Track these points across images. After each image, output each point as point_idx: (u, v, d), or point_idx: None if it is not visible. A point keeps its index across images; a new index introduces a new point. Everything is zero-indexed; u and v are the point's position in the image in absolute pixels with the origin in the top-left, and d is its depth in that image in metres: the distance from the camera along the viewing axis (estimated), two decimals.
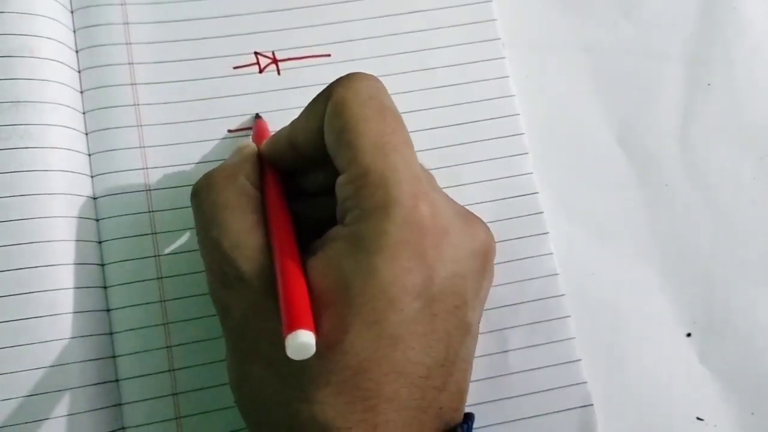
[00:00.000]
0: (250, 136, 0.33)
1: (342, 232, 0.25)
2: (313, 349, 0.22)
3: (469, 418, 0.27)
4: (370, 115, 0.25)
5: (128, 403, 0.30)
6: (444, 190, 0.28)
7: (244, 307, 0.25)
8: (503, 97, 0.35)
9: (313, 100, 0.27)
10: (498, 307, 0.32)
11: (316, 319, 0.23)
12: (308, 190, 0.29)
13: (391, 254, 0.24)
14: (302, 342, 0.22)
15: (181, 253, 0.32)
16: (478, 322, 0.28)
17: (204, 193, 0.27)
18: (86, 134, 0.32)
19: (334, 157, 0.26)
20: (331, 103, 0.25)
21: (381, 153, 0.24)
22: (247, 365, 0.26)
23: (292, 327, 0.22)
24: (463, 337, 0.26)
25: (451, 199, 0.27)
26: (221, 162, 0.33)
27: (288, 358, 0.22)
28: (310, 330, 0.22)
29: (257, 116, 0.33)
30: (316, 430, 0.24)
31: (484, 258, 0.27)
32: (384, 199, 0.24)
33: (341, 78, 0.26)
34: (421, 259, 0.24)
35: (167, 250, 0.32)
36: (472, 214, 0.28)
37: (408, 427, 0.24)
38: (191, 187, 0.32)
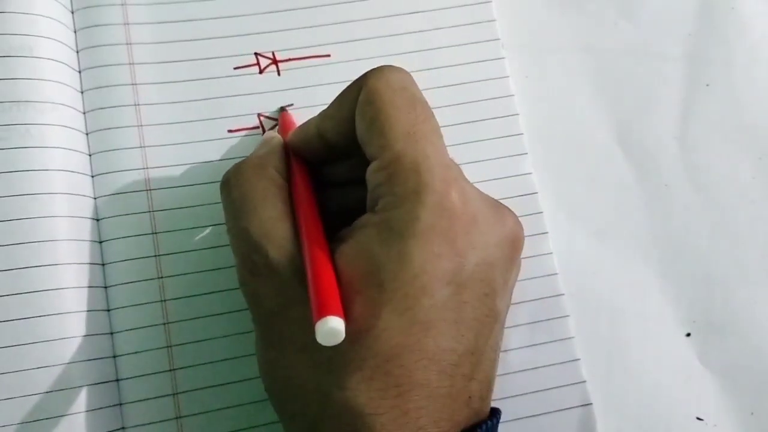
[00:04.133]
0: (275, 129, 0.33)
1: (373, 219, 0.25)
2: (343, 335, 0.22)
3: (496, 412, 0.27)
4: (401, 104, 0.26)
5: (128, 403, 0.30)
6: None
7: (273, 295, 0.26)
8: (502, 97, 0.35)
9: (345, 89, 0.27)
10: None
11: (347, 305, 0.24)
12: (334, 180, 0.30)
13: (424, 240, 0.24)
14: (332, 327, 0.22)
15: (181, 253, 0.32)
16: (506, 312, 0.28)
17: (233, 183, 0.27)
18: (86, 134, 0.33)
19: (365, 145, 0.26)
20: (363, 92, 0.26)
21: (412, 140, 0.25)
22: (278, 352, 0.26)
23: (322, 313, 0.22)
24: (492, 326, 0.26)
25: (479, 190, 0.27)
26: (221, 161, 0.33)
27: (319, 344, 0.22)
28: (340, 316, 0.22)
29: (282, 109, 0.33)
30: (347, 415, 0.24)
31: (513, 247, 0.27)
32: (416, 185, 0.24)
33: (373, 69, 0.27)
34: (451, 245, 0.24)
35: (167, 250, 0.32)
36: (501, 203, 0.28)
37: (438, 413, 0.24)
38: (192, 187, 0.32)
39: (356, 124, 0.26)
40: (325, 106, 0.33)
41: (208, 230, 0.32)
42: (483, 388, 0.26)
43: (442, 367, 0.25)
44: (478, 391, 0.26)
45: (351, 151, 0.27)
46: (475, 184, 0.33)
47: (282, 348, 0.26)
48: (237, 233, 0.27)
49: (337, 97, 0.27)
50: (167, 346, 0.31)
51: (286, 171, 0.28)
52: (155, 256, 0.32)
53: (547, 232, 0.33)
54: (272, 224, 0.26)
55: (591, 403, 0.32)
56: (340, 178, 0.30)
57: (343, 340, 0.22)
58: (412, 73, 0.34)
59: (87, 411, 0.29)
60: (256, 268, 0.26)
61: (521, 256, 0.29)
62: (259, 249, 0.26)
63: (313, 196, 0.28)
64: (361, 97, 0.26)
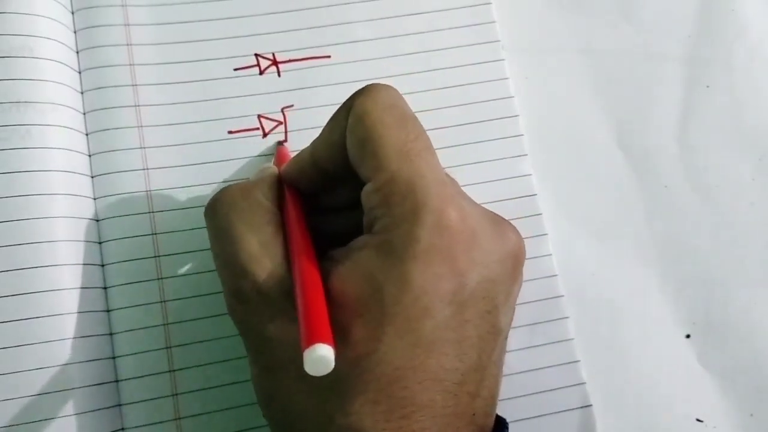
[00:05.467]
0: (272, 160, 0.33)
1: (371, 241, 0.25)
2: (332, 364, 0.22)
3: (502, 424, 0.27)
4: (391, 122, 0.25)
5: (128, 403, 0.30)
6: None
7: (264, 321, 0.25)
8: (502, 98, 0.35)
9: (334, 114, 0.27)
10: None
11: (347, 329, 0.23)
12: (328, 206, 0.29)
13: (424, 261, 0.24)
14: (320, 356, 0.21)
15: (181, 254, 0.32)
16: (509, 326, 0.27)
17: (218, 207, 0.27)
18: (87, 135, 0.33)
19: (358, 167, 0.26)
20: (352, 114, 0.25)
21: (406, 159, 0.25)
22: (275, 380, 0.25)
23: (311, 341, 0.22)
24: (494, 342, 0.26)
25: (477, 204, 0.27)
26: (221, 162, 0.33)
27: None
28: (329, 344, 0.22)
29: (279, 143, 0.33)
30: None
31: (515, 262, 0.27)
32: (413, 205, 0.24)
33: (360, 89, 0.26)
34: (452, 264, 0.24)
35: (167, 251, 0.32)
36: (500, 217, 0.28)
37: None
38: (192, 188, 0.32)
39: (348, 146, 0.26)
40: (325, 108, 0.34)
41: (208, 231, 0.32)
42: (487, 404, 0.26)
43: (446, 387, 0.24)
44: (483, 408, 0.26)
45: (345, 176, 0.27)
46: (475, 185, 0.33)
47: (279, 375, 0.25)
48: (223, 259, 0.26)
49: (328, 123, 0.27)
50: (167, 347, 0.31)
51: (277, 199, 0.28)
52: (155, 257, 0.32)
53: (546, 234, 0.33)
54: (259, 249, 0.25)
55: (591, 405, 0.32)
56: (334, 204, 0.29)
57: (345, 364, 0.22)
58: (412, 75, 0.34)
59: (86, 412, 0.29)
60: (243, 295, 0.25)
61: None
62: (247, 274, 0.25)
63: (305, 222, 0.27)
64: (350, 119, 0.25)
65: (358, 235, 0.26)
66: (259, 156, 0.33)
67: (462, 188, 0.28)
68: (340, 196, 0.29)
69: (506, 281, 0.26)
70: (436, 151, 0.33)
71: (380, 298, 0.24)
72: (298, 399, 0.25)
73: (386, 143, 0.25)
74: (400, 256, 0.24)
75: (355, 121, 0.25)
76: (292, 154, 0.32)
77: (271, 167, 0.30)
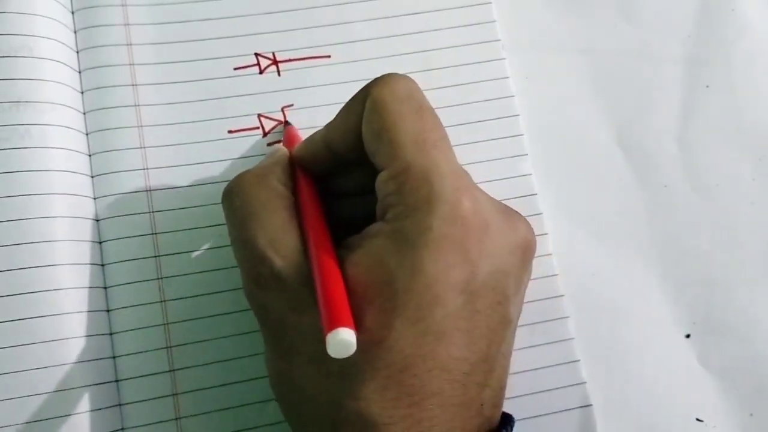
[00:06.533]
0: (281, 142, 0.33)
1: (384, 229, 0.25)
2: (354, 347, 0.22)
3: (509, 420, 0.27)
4: (408, 112, 0.25)
5: (128, 403, 0.30)
6: None
7: (281, 305, 0.25)
8: (503, 98, 0.35)
9: (350, 100, 0.27)
10: None
11: (359, 315, 0.24)
12: (340, 191, 0.29)
13: (436, 250, 0.24)
14: (343, 339, 0.22)
15: (181, 253, 0.32)
16: (518, 318, 0.28)
17: (235, 193, 0.27)
18: (87, 134, 0.32)
19: (373, 155, 0.26)
20: (369, 102, 0.26)
21: (422, 149, 0.25)
22: (288, 363, 0.26)
23: (333, 325, 0.22)
24: (504, 333, 0.26)
25: (489, 195, 0.27)
26: (221, 161, 0.33)
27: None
28: (351, 327, 0.22)
29: (287, 123, 0.33)
30: (360, 425, 0.24)
31: (525, 253, 0.27)
32: (428, 194, 0.24)
33: (378, 78, 0.26)
34: (464, 254, 0.24)
35: (167, 251, 0.32)
36: (512, 209, 0.28)
37: (450, 422, 0.24)
38: (192, 188, 0.32)
39: (363, 134, 0.26)
40: (325, 107, 0.34)
41: (208, 231, 0.32)
42: (495, 395, 0.26)
43: (455, 376, 0.24)
44: (491, 399, 0.26)
45: (358, 161, 0.27)
46: None
47: (292, 358, 0.26)
48: (241, 244, 0.26)
49: (343, 108, 0.27)
50: (167, 347, 0.31)
51: (291, 182, 0.28)
52: (155, 256, 0.32)
53: (546, 233, 0.33)
54: (277, 234, 0.26)
55: (591, 405, 0.32)
56: (346, 189, 0.29)
57: (356, 350, 0.22)
58: (412, 74, 0.34)
59: (86, 412, 0.29)
60: (262, 279, 0.26)
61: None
62: (265, 259, 0.25)
63: (320, 206, 0.27)
64: (367, 107, 0.26)
65: (368, 222, 0.26)
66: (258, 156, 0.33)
67: (474, 181, 0.28)
68: (350, 181, 0.29)
69: (517, 273, 0.26)
70: None
71: (392, 286, 0.24)
72: (310, 383, 0.25)
73: (403, 132, 0.25)
74: (412, 244, 0.24)
75: (372, 109, 0.26)
76: (301, 135, 0.32)
77: (282, 149, 0.30)
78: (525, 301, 0.32)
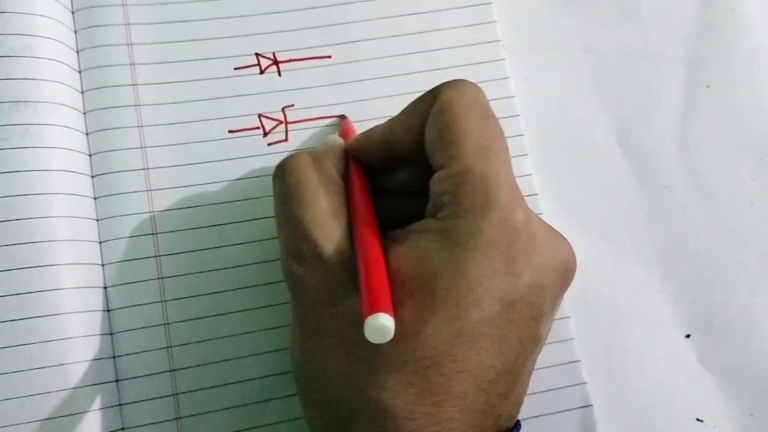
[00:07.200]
0: (337, 134, 0.33)
1: (435, 225, 0.25)
2: (392, 333, 0.22)
3: (517, 426, 0.27)
4: (474, 117, 0.26)
5: (128, 403, 0.30)
6: None
7: (319, 285, 0.26)
8: (503, 98, 0.35)
9: (418, 98, 0.27)
10: None
11: (397, 305, 0.24)
12: (388, 188, 0.30)
13: (483, 254, 0.24)
14: (382, 324, 0.22)
15: (182, 253, 0.32)
16: (546, 337, 0.28)
17: (289, 169, 0.27)
18: (87, 134, 0.32)
19: (434, 153, 0.26)
20: (438, 102, 0.26)
21: (483, 155, 0.25)
22: (316, 342, 0.26)
23: (373, 309, 0.22)
24: (532, 349, 0.26)
25: (537, 214, 0.28)
26: (221, 161, 0.33)
27: (362, 340, 0.22)
28: (390, 314, 0.22)
29: (343, 117, 0.34)
30: (380, 415, 0.24)
31: (566, 274, 0.27)
32: (483, 199, 0.25)
33: (448, 81, 0.27)
34: (509, 263, 0.25)
35: (167, 251, 0.32)
36: (557, 231, 0.28)
37: (468, 428, 0.24)
38: (192, 188, 0.32)
39: (426, 133, 0.27)
40: (326, 107, 0.34)
41: (208, 231, 0.32)
42: (513, 408, 0.26)
43: (480, 383, 0.24)
44: (509, 411, 0.26)
45: (413, 159, 0.27)
46: None
47: (321, 338, 0.26)
48: (287, 220, 0.27)
49: (409, 106, 0.28)
50: (167, 347, 0.31)
51: (344, 171, 0.28)
52: (155, 256, 0.31)
53: None
54: (325, 216, 0.26)
55: (591, 405, 0.32)
56: (394, 186, 0.30)
57: (389, 341, 0.22)
58: (412, 75, 0.35)
59: (87, 411, 0.29)
60: (303, 256, 0.26)
61: None
62: (309, 238, 0.26)
63: (370, 197, 0.28)
64: (435, 107, 0.26)
65: (408, 223, 0.26)
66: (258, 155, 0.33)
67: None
68: (398, 180, 0.30)
69: (555, 291, 0.27)
70: None
71: (434, 282, 0.24)
72: (335, 366, 0.25)
73: (467, 135, 0.26)
74: (461, 244, 0.24)
75: (441, 109, 0.26)
76: (357, 129, 0.32)
77: (338, 139, 0.30)
78: None
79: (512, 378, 0.25)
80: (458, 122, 0.26)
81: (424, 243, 0.25)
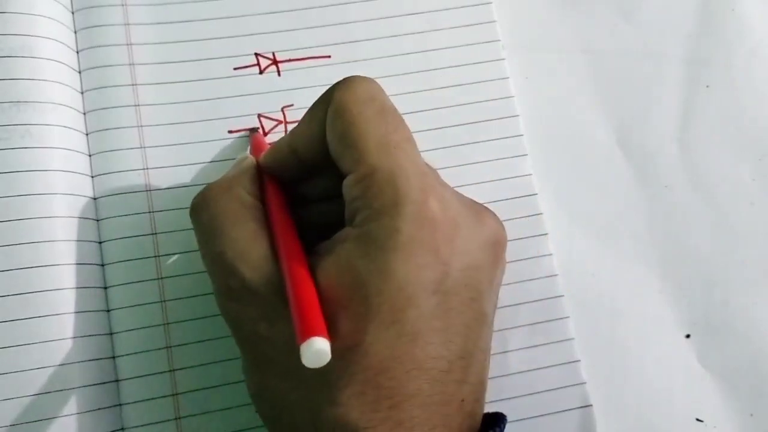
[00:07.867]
0: (248, 150, 0.33)
1: (353, 233, 0.25)
2: (329, 356, 0.22)
3: (500, 419, 0.27)
4: (371, 115, 0.25)
5: (128, 403, 0.30)
6: None
7: (253, 317, 0.25)
8: (502, 98, 0.35)
9: (313, 105, 0.27)
10: (498, 308, 0.32)
11: (333, 321, 0.23)
12: (309, 197, 0.29)
13: (406, 252, 0.24)
14: (318, 349, 0.22)
15: (181, 253, 0.32)
16: (494, 311, 0.28)
17: (202, 207, 0.27)
18: (87, 134, 0.33)
19: (338, 160, 0.26)
20: (331, 107, 0.26)
21: (385, 151, 0.25)
22: (264, 374, 0.26)
23: (306, 335, 0.22)
24: (480, 328, 0.26)
25: (457, 192, 0.27)
26: (221, 161, 0.33)
27: None
28: (324, 336, 0.22)
29: (253, 130, 0.33)
30: (341, 431, 0.24)
31: (496, 247, 0.27)
32: (394, 197, 0.24)
33: (339, 82, 0.26)
34: (435, 254, 0.24)
35: (167, 251, 0.32)
36: (480, 204, 0.28)
37: (431, 421, 0.24)
38: (192, 188, 0.32)
39: (327, 139, 0.26)
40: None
41: None
42: (475, 390, 0.26)
43: (433, 375, 0.24)
44: (471, 394, 0.26)
45: (325, 166, 0.27)
46: (475, 185, 0.33)
47: (268, 369, 0.25)
48: (210, 258, 0.26)
49: (306, 114, 0.27)
50: (167, 347, 0.31)
51: (258, 191, 0.28)
52: (155, 256, 0.32)
53: (546, 234, 0.33)
54: (246, 245, 0.26)
55: (591, 405, 0.32)
56: (314, 194, 0.29)
57: (332, 357, 0.22)
58: (412, 74, 0.34)
59: (86, 412, 0.29)
60: (233, 292, 0.25)
61: (509, 258, 0.28)
62: (236, 273, 0.25)
63: (289, 214, 0.27)
64: (330, 112, 0.26)
65: (338, 226, 0.26)
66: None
67: (442, 179, 0.28)
68: (319, 186, 0.29)
69: (489, 268, 0.26)
70: (436, 151, 0.34)
71: (363, 290, 0.24)
72: (287, 392, 0.25)
73: (366, 136, 0.25)
74: (381, 247, 0.24)
75: (335, 114, 0.25)
76: (267, 142, 0.32)
77: (249, 158, 0.29)
78: (525, 301, 0.32)
79: (466, 362, 0.25)
80: (355, 123, 0.25)
81: (346, 253, 0.24)
